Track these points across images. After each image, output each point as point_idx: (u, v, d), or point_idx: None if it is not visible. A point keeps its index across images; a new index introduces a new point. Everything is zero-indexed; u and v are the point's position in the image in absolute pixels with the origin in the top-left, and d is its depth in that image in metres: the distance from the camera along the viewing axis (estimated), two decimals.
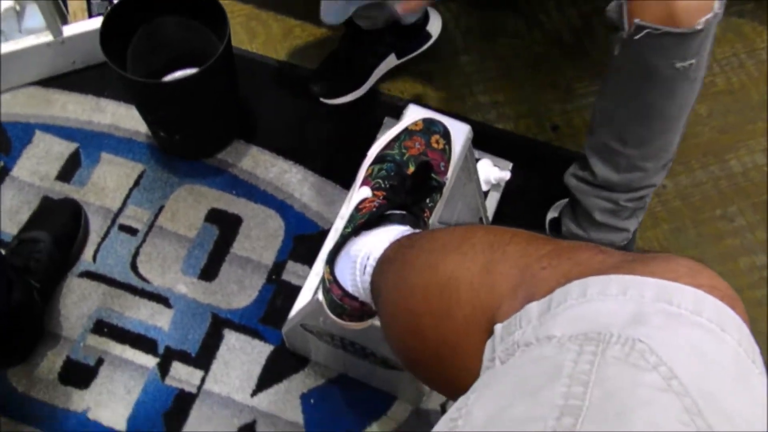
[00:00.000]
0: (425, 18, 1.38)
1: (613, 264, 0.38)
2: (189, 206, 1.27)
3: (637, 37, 0.83)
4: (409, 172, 0.77)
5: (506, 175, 1.17)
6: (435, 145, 0.81)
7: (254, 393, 1.11)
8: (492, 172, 1.17)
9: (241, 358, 1.14)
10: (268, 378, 1.12)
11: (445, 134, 0.83)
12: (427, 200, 0.76)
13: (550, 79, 1.42)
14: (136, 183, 1.29)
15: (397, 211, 0.72)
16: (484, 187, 1.18)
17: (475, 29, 1.47)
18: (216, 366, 1.13)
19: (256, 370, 1.13)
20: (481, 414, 0.35)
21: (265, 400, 1.10)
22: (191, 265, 1.22)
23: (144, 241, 1.24)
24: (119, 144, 1.33)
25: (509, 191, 1.26)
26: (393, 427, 1.09)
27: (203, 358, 1.14)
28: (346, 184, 1.29)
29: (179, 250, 1.23)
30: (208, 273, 1.21)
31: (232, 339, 1.15)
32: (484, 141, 1.24)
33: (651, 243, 1.26)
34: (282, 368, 1.13)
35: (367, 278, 0.64)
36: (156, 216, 1.26)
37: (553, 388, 0.32)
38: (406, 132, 0.81)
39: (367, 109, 1.37)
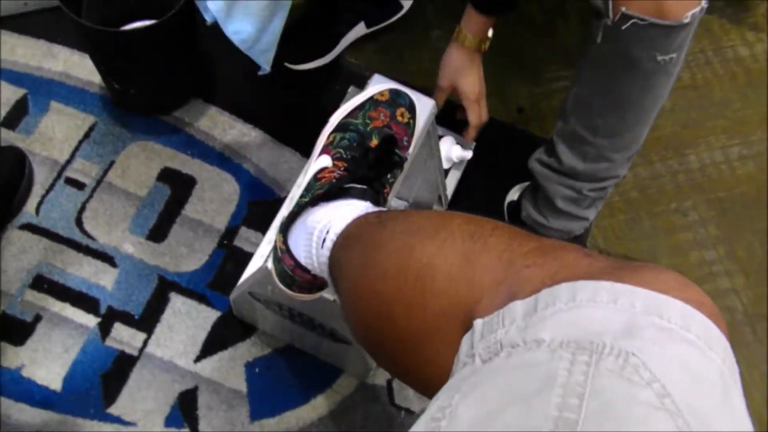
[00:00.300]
0: None
1: (601, 269, 0.38)
2: (141, 163, 1.23)
3: (623, 27, 0.81)
4: (372, 144, 0.75)
5: (468, 154, 1.16)
6: (400, 118, 0.79)
7: (198, 359, 1.08)
8: (454, 150, 1.16)
9: (186, 322, 1.11)
10: (212, 344, 1.10)
11: (411, 107, 0.81)
12: (389, 176, 0.74)
13: (519, 61, 1.41)
14: (87, 135, 1.24)
15: (358, 185, 0.70)
16: (445, 165, 1.16)
17: (448, 4, 1.44)
18: (159, 329, 1.10)
19: (201, 335, 1.10)
20: (468, 416, 0.34)
21: (208, 366, 1.08)
22: (140, 224, 1.18)
23: (91, 196, 1.19)
24: (70, 93, 1.27)
25: (470, 171, 1.24)
26: (338, 400, 1.08)
27: (147, 320, 1.10)
28: (306, 152, 1.25)
29: (128, 208, 1.19)
30: (157, 234, 1.17)
31: (177, 303, 1.12)
32: (449, 118, 1.22)
33: (606, 232, 1.26)
34: (228, 335, 1.11)
35: (326, 252, 0.62)
36: (105, 171, 1.21)
37: (547, 398, 0.31)
38: (372, 101, 0.79)
39: (332, 77, 1.33)
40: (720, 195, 1.32)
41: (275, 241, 0.73)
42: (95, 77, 1.28)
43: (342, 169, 0.72)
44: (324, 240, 0.62)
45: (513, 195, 1.24)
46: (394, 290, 0.47)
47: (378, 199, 0.70)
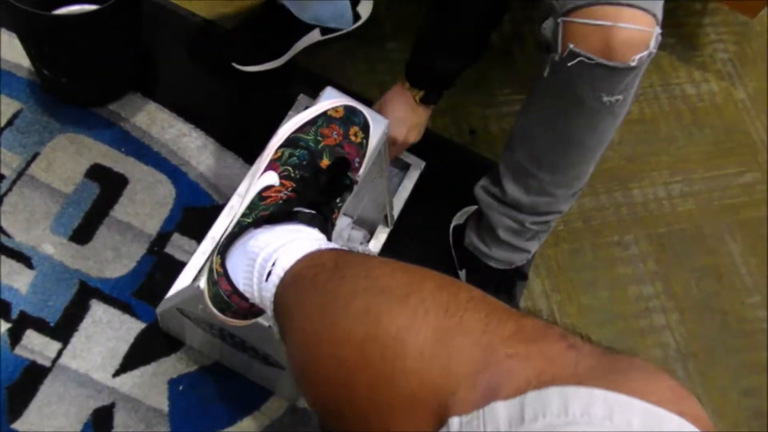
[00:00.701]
0: None
1: (590, 368, 0.35)
2: (69, 157, 1.14)
3: (570, 64, 0.79)
4: (323, 164, 0.70)
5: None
6: (353, 138, 0.75)
7: (117, 373, 1.01)
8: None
9: (106, 333, 1.03)
10: (134, 358, 1.02)
11: (365, 127, 0.77)
12: (338, 200, 0.70)
13: (474, 81, 1.39)
14: (10, 123, 1.15)
15: (306, 210, 0.65)
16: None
17: (406, 17, 1.41)
18: (77, 339, 1.02)
19: (122, 348, 1.03)
20: None
21: (128, 381, 1.01)
22: (63, 223, 1.09)
23: (10, 189, 1.10)
24: None
25: (417, 191, 1.21)
26: (265, 423, 1.03)
27: (63, 328, 1.02)
28: (249, 158, 1.20)
29: (51, 205, 1.10)
30: (82, 235, 1.09)
31: (99, 311, 1.04)
32: None
33: (549, 261, 1.25)
34: (151, 349, 1.04)
35: (270, 287, 0.57)
36: (28, 163, 1.12)
37: None
38: (325, 117, 0.74)
39: (281, 82, 1.28)
40: (660, 230, 1.34)
41: (212, 262, 0.67)
42: (24, 60, 1.19)
43: (290, 189, 0.67)
44: (269, 273, 0.57)
45: (459, 219, 1.21)
46: (357, 359, 0.43)
47: (326, 225, 0.66)
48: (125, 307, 1.05)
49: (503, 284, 1.12)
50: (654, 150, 1.42)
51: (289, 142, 0.73)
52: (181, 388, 1.02)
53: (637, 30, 0.76)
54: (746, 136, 1.48)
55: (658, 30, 0.78)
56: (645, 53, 0.78)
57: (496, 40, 1.45)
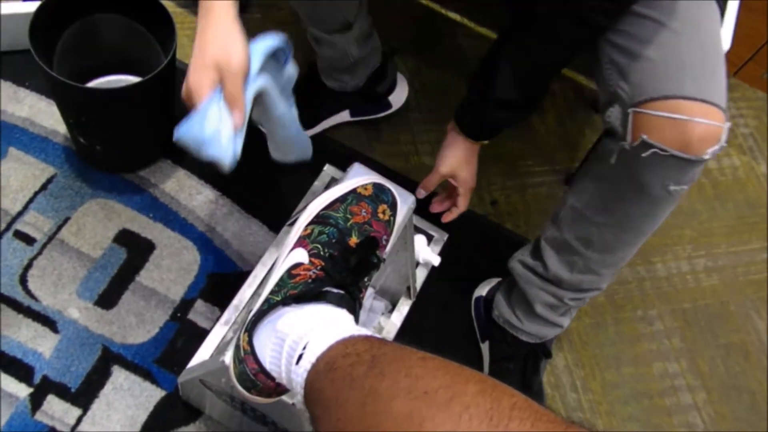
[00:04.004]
0: (391, 86, 1.34)
1: None
2: (98, 222, 1.16)
3: (644, 154, 0.79)
4: (352, 242, 0.71)
5: (435, 260, 1.11)
6: (381, 216, 0.76)
7: None
8: (423, 251, 1.12)
9: (127, 400, 1.03)
10: (153, 427, 1.02)
11: (393, 205, 0.78)
12: (366, 278, 0.70)
13: (495, 151, 1.41)
14: (44, 187, 1.18)
15: (335, 290, 0.65)
16: None
17: (430, 88, 1.45)
18: (97, 406, 1.02)
19: (142, 416, 1.02)
20: None
21: None
22: (89, 288, 1.10)
23: (40, 253, 1.12)
24: (32, 141, 1.21)
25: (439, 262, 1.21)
26: None
27: (84, 394, 1.02)
28: (274, 226, 1.22)
29: (79, 269, 1.12)
30: (107, 300, 1.10)
31: (120, 377, 1.04)
32: (422, 206, 1.19)
33: (571, 335, 1.24)
34: (171, 418, 1.03)
35: (301, 372, 0.57)
36: (59, 227, 1.15)
37: None
38: (355, 194, 0.75)
39: None
40: (685, 306, 1.32)
41: (238, 339, 0.67)
42: (60, 127, 1.23)
43: (318, 268, 0.68)
44: (300, 356, 0.57)
45: (481, 290, 1.21)
46: None
47: (354, 306, 0.66)
48: (146, 374, 1.05)
49: (530, 359, 1.10)
50: (677, 224, 1.42)
51: (319, 219, 0.75)
52: None
53: (711, 125, 0.77)
54: None
55: (728, 124, 0.79)
56: (717, 147, 0.79)
57: None
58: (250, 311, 0.68)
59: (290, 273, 0.69)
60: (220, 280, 1.15)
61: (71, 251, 1.13)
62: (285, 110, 0.91)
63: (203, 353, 0.95)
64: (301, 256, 0.70)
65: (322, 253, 0.69)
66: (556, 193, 1.38)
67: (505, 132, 1.43)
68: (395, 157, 1.35)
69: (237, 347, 0.67)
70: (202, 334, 1.07)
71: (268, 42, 0.81)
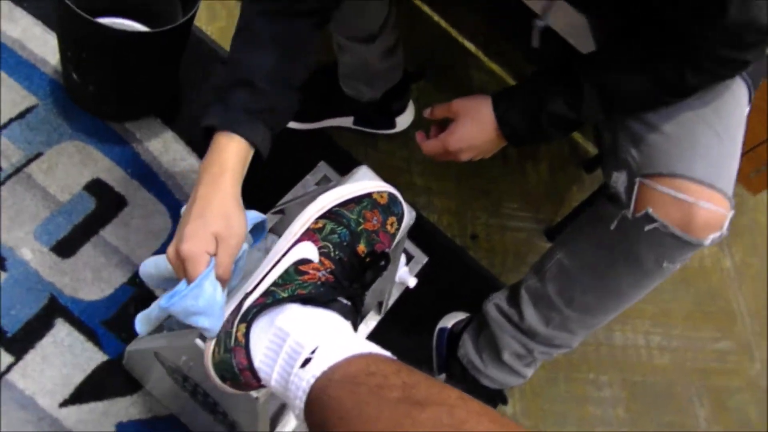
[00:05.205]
0: (402, 107, 1.31)
1: None
2: (72, 165, 1.10)
3: (646, 228, 0.79)
4: (360, 249, 0.68)
5: (411, 282, 1.09)
6: (389, 228, 0.73)
7: (64, 404, 0.94)
8: (401, 270, 1.09)
9: (65, 357, 0.96)
10: (87, 391, 0.95)
11: (400, 219, 0.76)
12: (367, 292, 0.67)
13: (484, 187, 1.40)
14: (21, 115, 1.10)
15: (344, 300, 0.62)
16: None
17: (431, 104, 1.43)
18: (31, 357, 0.95)
19: (77, 377, 0.96)
20: None
21: (73, 415, 0.93)
22: (48, 231, 1.04)
23: (3, 183, 1.04)
24: (19, 65, 1.14)
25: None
26: None
27: (20, 342, 0.95)
28: (255, 209, 1.17)
29: (41, 209, 1.05)
30: (65, 248, 1.03)
31: (62, 332, 0.98)
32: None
33: (524, 386, 1.23)
34: (108, 385, 0.97)
35: (308, 377, 0.53)
36: (29, 161, 1.07)
37: None
38: (370, 200, 0.72)
39: (304, 145, 1.27)
40: (635, 378, 1.33)
41: (232, 327, 0.63)
42: (52, 57, 1.16)
43: (328, 270, 0.64)
44: (307, 360, 0.54)
45: (446, 322, 1.19)
46: None
47: (356, 318, 0.63)
48: (91, 335, 0.99)
49: (487, 403, 1.09)
50: (642, 297, 1.44)
51: (332, 215, 0.71)
52: None
53: (715, 211, 0.77)
54: (727, 303, 1.51)
55: (732, 213, 0.78)
56: (718, 234, 0.78)
57: (512, 153, 1.47)
58: (245, 297, 0.64)
59: (298, 269, 0.65)
60: None
61: (36, 188, 1.06)
62: (234, 284, 0.85)
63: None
64: (311, 251, 0.67)
65: (332, 255, 0.66)
66: (534, 242, 1.38)
67: (498, 170, 1.44)
68: (387, 169, 1.33)
69: (227, 334, 0.63)
70: None
71: (252, 216, 0.81)
